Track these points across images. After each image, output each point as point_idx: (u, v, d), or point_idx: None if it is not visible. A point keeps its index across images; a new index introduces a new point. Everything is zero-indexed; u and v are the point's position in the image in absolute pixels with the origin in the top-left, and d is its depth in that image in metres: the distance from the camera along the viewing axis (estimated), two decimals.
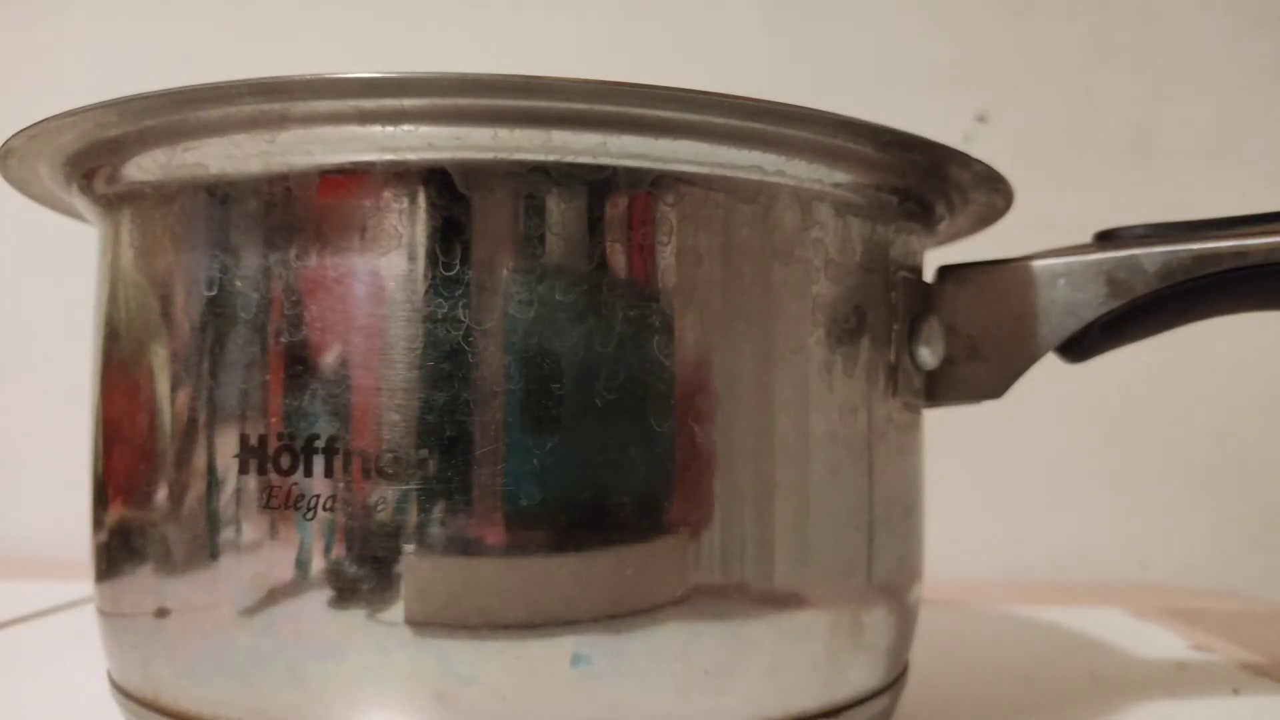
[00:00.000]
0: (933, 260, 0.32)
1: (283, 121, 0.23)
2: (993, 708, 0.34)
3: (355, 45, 0.66)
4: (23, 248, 0.64)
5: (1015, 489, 0.64)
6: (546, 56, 0.64)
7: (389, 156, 0.23)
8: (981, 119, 0.65)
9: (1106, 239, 0.31)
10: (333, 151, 0.23)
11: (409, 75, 0.22)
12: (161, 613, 0.25)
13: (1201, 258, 0.30)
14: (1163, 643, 0.44)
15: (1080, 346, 0.31)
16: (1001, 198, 0.31)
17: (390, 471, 0.23)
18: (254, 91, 0.22)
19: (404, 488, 0.23)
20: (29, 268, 0.66)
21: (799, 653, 0.25)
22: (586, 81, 0.22)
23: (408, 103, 0.22)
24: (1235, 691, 0.36)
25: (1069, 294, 0.30)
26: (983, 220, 0.33)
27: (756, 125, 0.24)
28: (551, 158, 0.23)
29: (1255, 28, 0.65)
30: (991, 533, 0.63)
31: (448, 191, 0.23)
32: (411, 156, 0.23)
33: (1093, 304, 0.30)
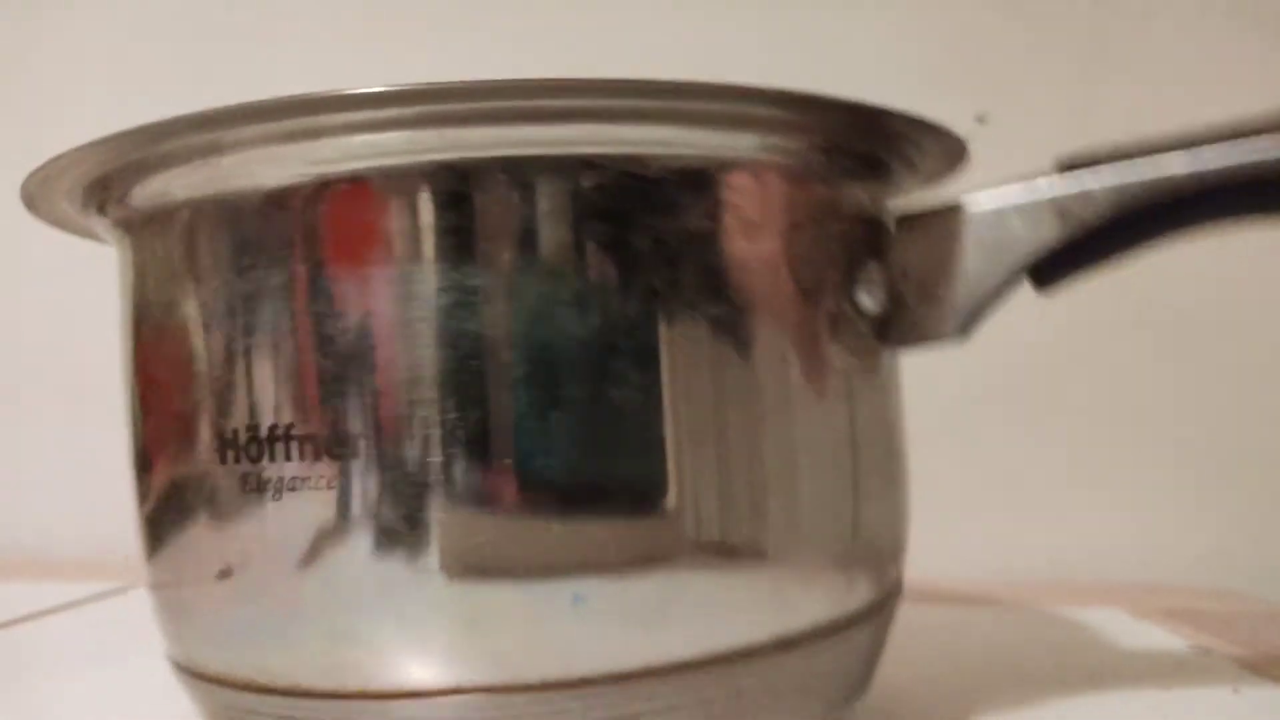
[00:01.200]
0: (903, 206, 0.32)
1: (289, 137, 0.24)
2: (993, 707, 0.34)
3: (355, 48, 0.66)
4: (22, 249, 0.64)
5: (1015, 489, 0.64)
6: (547, 55, 0.64)
7: (387, 162, 0.24)
8: (981, 119, 0.65)
9: (1067, 168, 0.31)
10: (332, 163, 0.24)
11: (403, 88, 0.23)
12: (224, 574, 0.26)
13: (1156, 188, 0.29)
14: (1163, 643, 0.44)
15: (1042, 277, 0.31)
16: (950, 142, 0.31)
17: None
18: (257, 115, 0.23)
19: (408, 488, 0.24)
20: (28, 269, 0.66)
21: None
22: (544, 80, 0.23)
23: (404, 111, 0.23)
24: (1235, 691, 0.36)
25: (1020, 229, 0.30)
26: (949, 161, 0.33)
27: (708, 107, 0.25)
28: (531, 151, 0.24)
29: (1255, 29, 0.65)
30: (992, 533, 0.63)
31: (446, 191, 0.24)
32: (406, 160, 0.24)
33: (1046, 237, 0.30)
